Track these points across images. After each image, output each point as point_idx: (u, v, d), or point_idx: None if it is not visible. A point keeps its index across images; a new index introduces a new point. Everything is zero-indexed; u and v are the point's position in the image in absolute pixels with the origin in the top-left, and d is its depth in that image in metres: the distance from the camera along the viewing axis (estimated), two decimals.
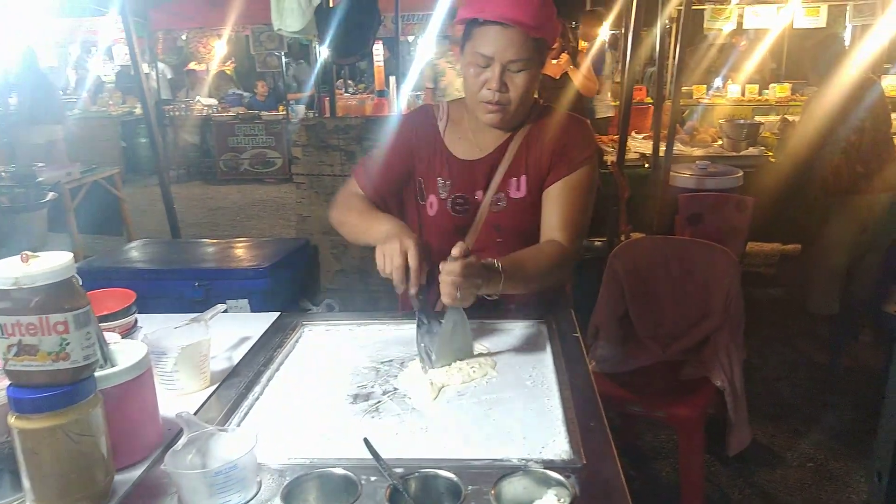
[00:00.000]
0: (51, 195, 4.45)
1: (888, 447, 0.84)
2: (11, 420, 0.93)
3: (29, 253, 0.94)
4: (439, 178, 1.72)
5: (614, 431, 1.16)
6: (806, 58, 3.71)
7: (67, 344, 0.93)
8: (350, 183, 1.81)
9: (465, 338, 1.47)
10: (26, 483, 0.95)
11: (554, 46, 5.37)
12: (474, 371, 1.39)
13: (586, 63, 5.15)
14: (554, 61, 5.15)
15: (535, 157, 1.68)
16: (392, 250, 1.43)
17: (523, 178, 1.68)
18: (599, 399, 1.27)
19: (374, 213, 1.67)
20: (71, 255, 0.95)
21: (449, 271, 1.35)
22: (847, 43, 3.52)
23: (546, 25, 1.56)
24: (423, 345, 1.44)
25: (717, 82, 8.61)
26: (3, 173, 4.80)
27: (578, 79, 5.02)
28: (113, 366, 1.10)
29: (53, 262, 0.93)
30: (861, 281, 3.67)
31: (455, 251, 1.36)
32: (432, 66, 5.53)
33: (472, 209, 1.71)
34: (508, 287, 1.45)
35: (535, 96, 1.70)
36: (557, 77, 5.13)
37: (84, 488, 0.97)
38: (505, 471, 1.02)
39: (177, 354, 1.30)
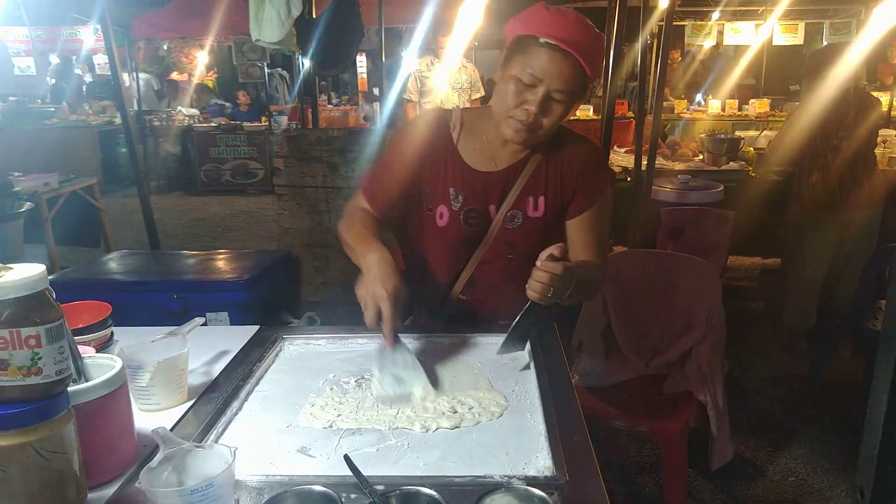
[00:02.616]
0: (27, 205, 4.38)
1: (870, 462, 0.83)
2: None
3: (0, 265, 0.92)
4: (451, 189, 1.67)
5: (597, 445, 1.15)
6: (800, 68, 3.71)
7: (39, 358, 0.90)
8: (357, 195, 1.74)
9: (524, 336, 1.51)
10: None
11: None
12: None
13: None
14: None
15: (554, 180, 1.67)
16: (367, 297, 1.38)
17: (542, 198, 1.67)
18: (583, 414, 1.26)
19: (365, 239, 1.55)
20: (43, 267, 0.93)
21: (550, 268, 1.36)
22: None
23: (598, 66, 1.56)
24: (390, 372, 1.38)
25: (699, 97, 8.73)
26: None
27: None
28: (87, 381, 1.08)
29: (25, 275, 0.91)
30: (839, 296, 3.71)
31: (556, 251, 1.38)
32: (418, 78, 5.52)
33: (484, 223, 1.69)
34: (570, 297, 1.46)
35: None
36: None
37: None
38: (487, 488, 1.01)
39: (153, 369, 1.27)
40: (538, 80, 1.50)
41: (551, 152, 1.68)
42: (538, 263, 1.39)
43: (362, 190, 1.74)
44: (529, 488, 1.00)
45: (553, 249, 1.38)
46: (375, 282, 1.38)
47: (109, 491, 1.05)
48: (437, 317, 1.80)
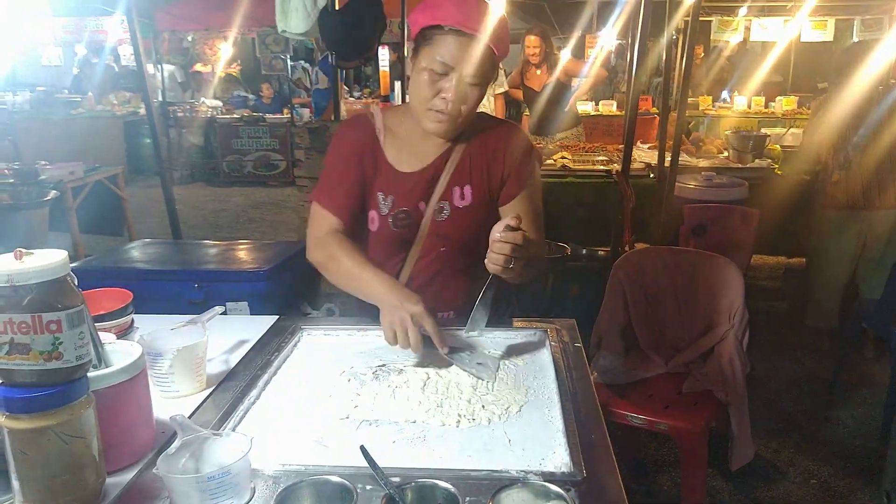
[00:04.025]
0: (52, 193, 4.44)
1: None
2: (1, 420, 0.91)
3: (23, 250, 0.92)
4: (380, 194, 1.66)
5: (616, 443, 1.13)
6: (829, 65, 3.66)
7: (60, 343, 0.91)
8: (317, 212, 1.67)
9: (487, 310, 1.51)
10: (15, 484, 0.93)
11: (533, 55, 5.42)
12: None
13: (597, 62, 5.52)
14: (538, 72, 5.27)
15: (479, 168, 1.67)
16: (401, 321, 1.41)
17: (468, 187, 1.67)
18: (601, 410, 1.25)
19: (363, 269, 1.55)
20: (65, 253, 0.93)
21: (511, 238, 1.36)
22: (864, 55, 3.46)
23: (506, 45, 1.56)
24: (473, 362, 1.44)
25: (724, 94, 8.63)
26: (6, 170, 4.80)
27: (591, 74, 5.41)
28: (107, 366, 1.09)
29: (47, 260, 0.91)
30: (864, 297, 3.64)
31: (512, 222, 1.38)
32: None
33: (414, 222, 1.67)
34: (522, 273, 1.45)
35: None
36: (539, 90, 5.27)
37: (74, 490, 0.95)
38: (503, 482, 1.00)
39: (173, 356, 1.28)
40: (450, 67, 1.51)
41: (474, 141, 1.67)
42: (497, 235, 1.39)
43: (320, 202, 1.67)
44: (546, 484, 0.99)
45: (509, 220, 1.39)
46: (405, 305, 1.42)
47: (127, 476, 1.05)
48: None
